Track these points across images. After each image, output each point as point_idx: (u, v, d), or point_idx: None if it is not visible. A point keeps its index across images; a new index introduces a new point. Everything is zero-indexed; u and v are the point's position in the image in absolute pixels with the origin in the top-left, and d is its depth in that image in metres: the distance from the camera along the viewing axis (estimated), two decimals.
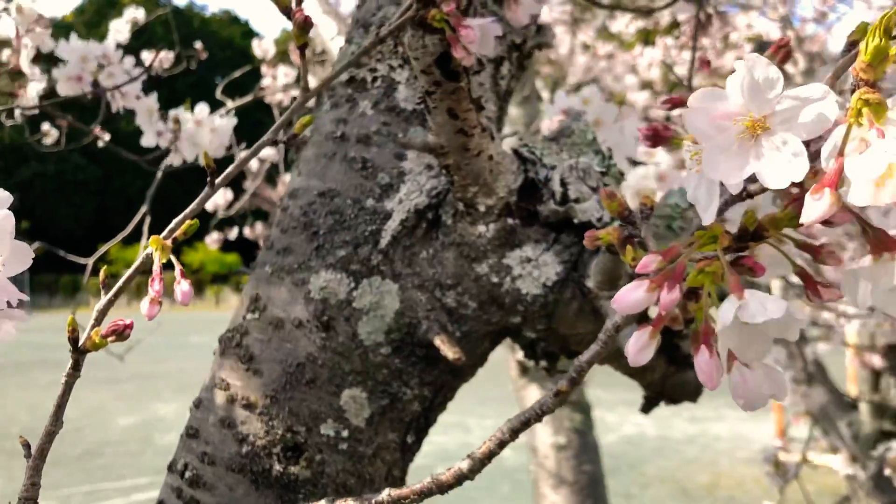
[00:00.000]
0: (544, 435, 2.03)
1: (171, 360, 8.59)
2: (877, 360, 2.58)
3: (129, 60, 0.95)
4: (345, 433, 0.60)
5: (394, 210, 0.63)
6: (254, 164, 3.57)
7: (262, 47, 3.80)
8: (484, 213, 0.61)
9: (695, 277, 0.38)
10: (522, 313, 0.62)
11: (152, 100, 0.95)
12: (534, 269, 0.61)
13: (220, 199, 3.80)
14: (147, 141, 0.97)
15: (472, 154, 0.57)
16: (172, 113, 0.97)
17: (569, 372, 0.44)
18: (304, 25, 0.50)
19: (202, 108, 0.99)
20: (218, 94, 2.53)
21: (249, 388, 0.61)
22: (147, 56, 2.89)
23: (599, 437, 2.09)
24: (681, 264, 0.36)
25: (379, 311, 0.61)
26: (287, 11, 0.50)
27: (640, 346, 0.37)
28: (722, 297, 0.59)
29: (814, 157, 0.33)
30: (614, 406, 5.87)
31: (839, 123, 0.33)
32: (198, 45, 3.27)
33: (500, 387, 2.19)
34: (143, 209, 2.07)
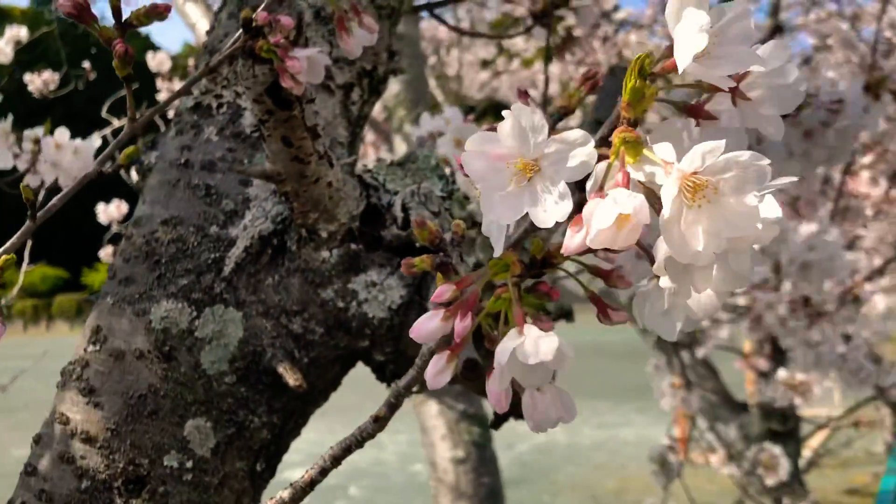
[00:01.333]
0: (443, 449, 2.04)
1: None
2: (762, 363, 2.70)
3: None
4: (189, 464, 0.59)
5: (238, 237, 0.63)
6: None
7: (157, 60, 3.71)
8: (327, 238, 0.61)
9: (493, 304, 0.39)
10: (370, 337, 0.63)
11: (7, 123, 0.92)
12: (379, 292, 0.62)
13: (115, 213, 3.66)
14: (2, 163, 0.93)
15: (309, 181, 0.58)
16: (29, 134, 0.93)
17: (387, 398, 0.45)
18: (125, 58, 0.49)
19: (62, 132, 0.96)
20: (104, 112, 2.46)
21: (90, 421, 0.60)
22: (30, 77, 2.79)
23: (511, 446, 2.12)
24: (473, 293, 0.38)
25: (222, 339, 0.61)
26: (108, 42, 0.50)
27: (437, 370, 0.38)
28: (557, 315, 0.61)
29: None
30: None
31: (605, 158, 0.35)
32: (86, 64, 3.18)
33: (409, 402, 2.18)
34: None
